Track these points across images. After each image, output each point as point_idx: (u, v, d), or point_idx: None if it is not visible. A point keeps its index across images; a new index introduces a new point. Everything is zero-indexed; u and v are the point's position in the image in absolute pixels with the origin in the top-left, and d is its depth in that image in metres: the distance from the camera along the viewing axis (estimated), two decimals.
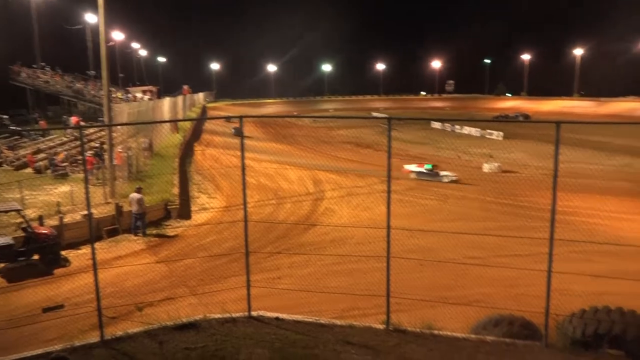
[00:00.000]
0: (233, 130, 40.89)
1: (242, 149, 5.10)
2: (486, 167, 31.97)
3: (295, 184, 23.19)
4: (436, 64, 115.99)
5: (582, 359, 4.52)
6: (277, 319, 5.24)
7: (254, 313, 5.42)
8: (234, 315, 5.28)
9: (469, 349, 4.37)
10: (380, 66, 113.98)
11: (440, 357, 4.21)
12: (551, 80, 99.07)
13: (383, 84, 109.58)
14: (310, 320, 5.06)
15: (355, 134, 49.41)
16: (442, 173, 26.47)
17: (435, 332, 5.10)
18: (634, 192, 22.78)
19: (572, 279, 9.48)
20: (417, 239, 13.59)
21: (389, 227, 5.12)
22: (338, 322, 5.06)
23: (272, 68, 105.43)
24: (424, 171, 26.58)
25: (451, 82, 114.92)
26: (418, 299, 9.13)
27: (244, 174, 5.11)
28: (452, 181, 25.81)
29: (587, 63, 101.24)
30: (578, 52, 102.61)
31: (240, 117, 5.49)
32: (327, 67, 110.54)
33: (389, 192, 5.28)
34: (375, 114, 69.40)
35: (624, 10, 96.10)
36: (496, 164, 32.39)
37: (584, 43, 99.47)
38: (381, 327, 5.05)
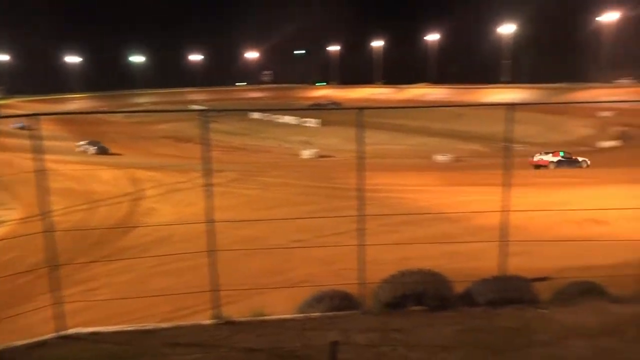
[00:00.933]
0: (16, 126, 36.32)
1: (39, 150, 4.54)
2: (305, 154, 33.69)
3: (110, 186, 21.45)
4: (253, 55, 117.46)
5: (392, 319, 5.12)
6: (94, 333, 4.81)
7: (68, 332, 4.90)
8: (44, 337, 4.71)
9: (296, 328, 4.62)
10: (196, 57, 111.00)
11: (268, 341, 4.36)
12: (358, 69, 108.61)
13: (201, 76, 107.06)
14: (133, 328, 4.78)
15: (174, 128, 47.54)
16: (580, 159, 26.74)
17: (265, 317, 5.26)
18: (429, 167, 26.39)
19: (384, 249, 10.63)
20: (243, 230, 13.72)
21: (211, 220, 5.07)
22: (164, 324, 4.88)
23: (74, 60, 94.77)
24: (562, 159, 26.46)
25: (268, 72, 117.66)
26: (248, 288, 9.28)
27: (42, 177, 4.55)
28: (588, 166, 26.01)
29: (387, 53, 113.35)
30: (378, 43, 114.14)
31: (36, 115, 4.85)
32: (138, 59, 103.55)
33: (210, 185, 5.25)
34: (193, 107, 67.60)
35: (420, 3, 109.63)
36: (314, 150, 34.34)
37: (384, 35, 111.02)
38: (210, 322, 5.02)
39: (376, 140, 37.35)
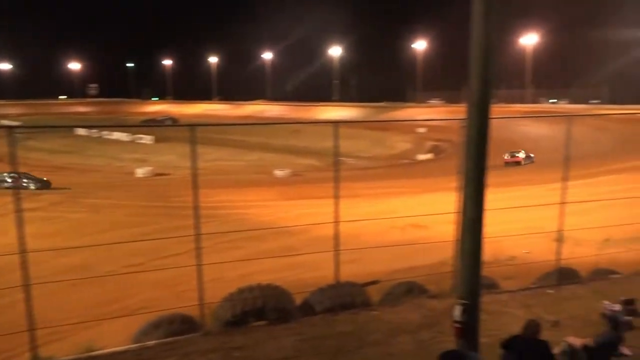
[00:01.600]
0: None
1: None
2: (139, 172, 31.72)
3: None
4: (75, 66, 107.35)
5: (233, 337, 5.05)
6: None
7: None
8: None
9: None
10: (5, 66, 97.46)
11: None
12: (194, 84, 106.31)
13: (15, 88, 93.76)
14: None
15: None
16: (532, 155, 29.60)
17: (94, 353, 4.77)
18: (270, 183, 26.85)
19: (227, 267, 10.49)
20: (67, 258, 12.35)
21: (23, 251, 4.46)
22: None
23: None
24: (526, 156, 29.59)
25: (94, 85, 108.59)
26: (75, 323, 8.35)
27: None
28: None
29: (223, 69, 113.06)
30: (213, 59, 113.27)
31: None
32: None
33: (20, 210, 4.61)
34: (2, 122, 59.12)
35: (254, 20, 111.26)
36: (149, 168, 32.53)
37: (220, 50, 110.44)
38: None
39: (217, 157, 36.83)
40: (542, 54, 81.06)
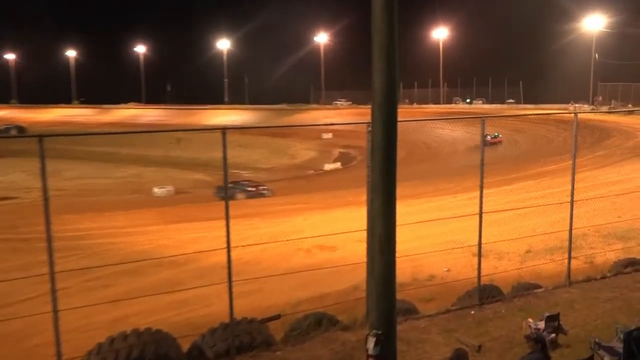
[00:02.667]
0: None
1: None
2: None
3: None
4: None
5: None
6: None
7: None
8: None
9: None
10: None
11: None
12: (47, 85, 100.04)
13: None
14: None
15: None
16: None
17: None
18: (147, 203, 25.90)
19: (93, 311, 9.90)
20: None
21: None
22: None
23: None
24: None
25: None
26: None
27: None
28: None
29: (82, 67, 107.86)
30: (71, 54, 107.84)
31: None
32: None
33: None
34: None
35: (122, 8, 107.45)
36: None
37: (79, 43, 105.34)
38: None
39: (80, 173, 34.94)
40: (455, 51, 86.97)
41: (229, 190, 7.57)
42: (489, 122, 9.87)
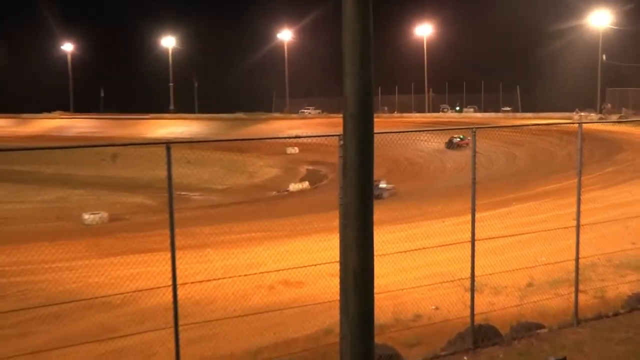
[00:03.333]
0: None
1: None
2: None
3: None
4: None
5: None
6: None
7: None
8: None
9: None
10: None
11: None
12: None
13: None
14: None
15: None
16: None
17: None
18: (76, 233, 25.47)
19: None
20: None
21: None
22: None
23: None
24: None
25: None
26: None
27: None
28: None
29: None
30: None
31: None
32: None
33: None
34: None
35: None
36: None
37: None
38: None
39: None
40: (442, 51, 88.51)
41: None
42: (482, 133, 10.06)
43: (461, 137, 47.87)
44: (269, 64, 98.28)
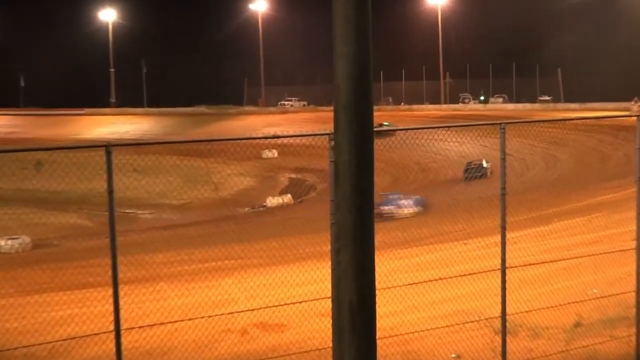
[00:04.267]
0: None
1: None
2: None
3: None
4: None
5: None
6: None
7: None
8: None
9: None
10: None
11: None
12: None
13: None
14: None
15: None
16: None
17: None
18: None
19: None
20: None
21: None
22: None
23: None
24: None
25: None
26: None
27: None
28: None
29: None
30: None
31: None
32: None
33: None
34: None
35: None
36: None
37: None
38: None
39: None
40: (462, 26, 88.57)
41: None
42: (513, 130, 10.08)
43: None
44: (239, 44, 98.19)
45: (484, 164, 40.38)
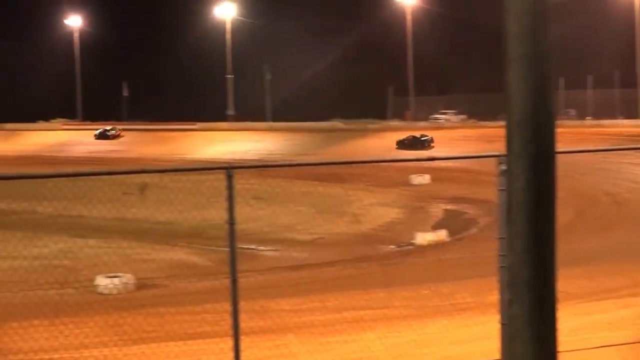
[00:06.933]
0: None
1: None
2: None
3: None
4: None
5: None
6: None
7: None
8: None
9: None
10: None
11: None
12: None
13: None
14: None
15: None
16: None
17: None
18: (81, 305, 26.23)
19: None
20: None
21: None
22: None
23: None
24: None
25: None
26: None
27: None
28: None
29: None
30: None
31: None
32: None
33: None
34: None
35: None
36: None
37: None
38: None
39: None
40: None
41: None
42: None
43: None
44: (380, 44, 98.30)
45: None
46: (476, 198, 46.61)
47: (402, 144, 77.17)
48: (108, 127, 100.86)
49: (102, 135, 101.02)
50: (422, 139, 77.74)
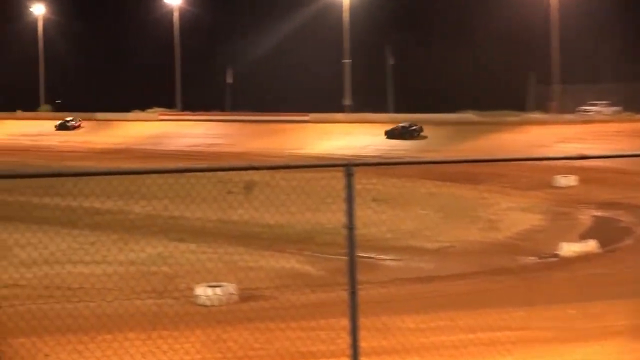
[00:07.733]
0: None
1: None
2: None
3: None
4: None
5: None
6: None
7: None
8: None
9: None
10: None
11: None
12: None
13: None
14: None
15: None
16: None
17: None
18: (180, 317, 26.58)
19: None
20: None
21: None
22: None
23: None
24: None
25: None
26: None
27: None
28: None
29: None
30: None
31: None
32: None
33: None
34: None
35: None
36: None
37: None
38: None
39: (45, 254, 36.49)
40: None
41: None
42: None
43: None
44: (519, 27, 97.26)
45: None
46: (631, 203, 45.84)
47: (391, 134, 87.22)
48: (69, 118, 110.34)
49: (62, 127, 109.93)
50: (411, 128, 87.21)
